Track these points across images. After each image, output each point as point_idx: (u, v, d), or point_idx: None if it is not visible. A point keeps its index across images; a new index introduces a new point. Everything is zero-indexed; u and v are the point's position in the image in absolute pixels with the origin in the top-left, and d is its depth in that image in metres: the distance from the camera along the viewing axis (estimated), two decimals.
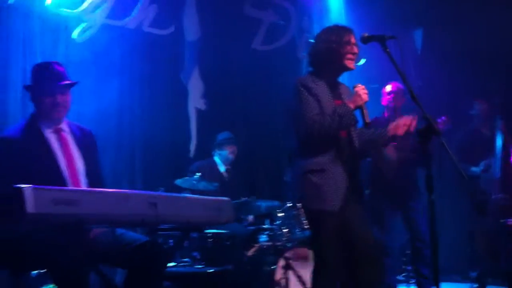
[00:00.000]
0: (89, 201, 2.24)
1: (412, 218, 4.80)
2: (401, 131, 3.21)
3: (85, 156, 3.05)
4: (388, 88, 5.01)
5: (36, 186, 2.11)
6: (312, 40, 3.35)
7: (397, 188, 4.77)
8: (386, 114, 5.01)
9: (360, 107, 3.07)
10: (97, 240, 2.76)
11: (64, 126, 3.08)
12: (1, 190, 2.29)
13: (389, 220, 4.87)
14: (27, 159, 2.82)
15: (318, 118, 2.98)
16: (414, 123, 3.19)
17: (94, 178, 3.03)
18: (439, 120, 4.65)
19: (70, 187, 2.84)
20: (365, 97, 3.08)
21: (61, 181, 2.86)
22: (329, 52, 3.12)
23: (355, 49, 3.14)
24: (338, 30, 3.17)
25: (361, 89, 3.09)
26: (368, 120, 3.09)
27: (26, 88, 3.12)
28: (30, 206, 2.07)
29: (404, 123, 3.20)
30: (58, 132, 3.03)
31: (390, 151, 4.74)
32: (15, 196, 2.08)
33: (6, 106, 4.74)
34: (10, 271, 2.80)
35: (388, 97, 4.99)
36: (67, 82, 3.05)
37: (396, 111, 4.94)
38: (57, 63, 3.12)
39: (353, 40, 3.15)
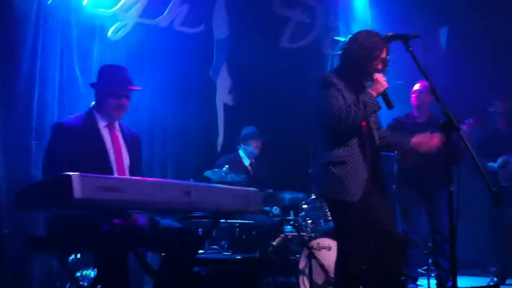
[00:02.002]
0: (131, 189, 2.44)
1: (434, 211, 4.89)
2: (423, 150, 3.38)
3: (130, 154, 3.29)
4: (416, 87, 5.08)
5: (83, 173, 2.32)
6: (343, 39, 3.45)
7: (423, 182, 4.86)
8: (415, 113, 5.10)
9: (382, 94, 3.19)
10: (136, 225, 2.97)
11: (116, 124, 3.32)
12: (52, 174, 2.51)
13: (413, 213, 4.97)
14: (81, 147, 3.06)
15: (344, 108, 3.11)
16: (438, 143, 3.30)
17: (136, 174, 3.26)
18: (465, 121, 4.71)
19: (114, 176, 3.06)
20: (385, 83, 3.18)
21: (109, 172, 3.10)
22: (357, 58, 3.23)
23: (380, 66, 3.23)
24: (375, 41, 3.22)
25: (380, 77, 3.20)
26: (391, 105, 3.20)
27: (92, 85, 3.33)
28: (77, 191, 2.27)
29: (428, 143, 3.34)
30: (110, 128, 3.27)
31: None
32: (64, 182, 2.27)
33: (44, 100, 4.95)
34: (58, 254, 3.04)
35: (415, 96, 5.08)
36: (135, 87, 3.30)
37: (423, 109, 5.03)
38: (125, 68, 3.35)
39: (383, 55, 3.23)
